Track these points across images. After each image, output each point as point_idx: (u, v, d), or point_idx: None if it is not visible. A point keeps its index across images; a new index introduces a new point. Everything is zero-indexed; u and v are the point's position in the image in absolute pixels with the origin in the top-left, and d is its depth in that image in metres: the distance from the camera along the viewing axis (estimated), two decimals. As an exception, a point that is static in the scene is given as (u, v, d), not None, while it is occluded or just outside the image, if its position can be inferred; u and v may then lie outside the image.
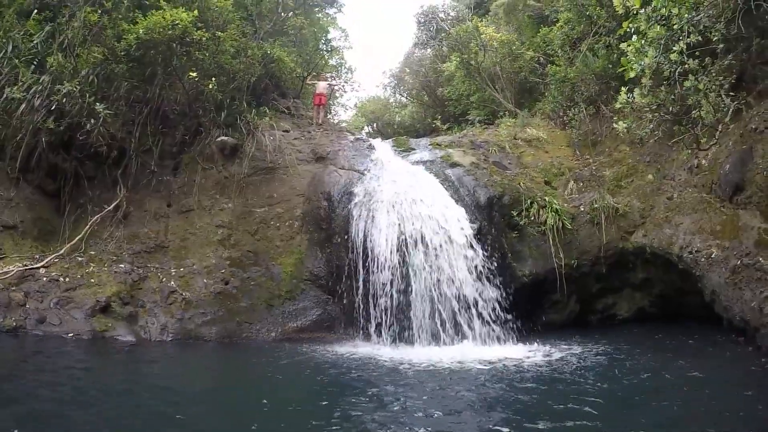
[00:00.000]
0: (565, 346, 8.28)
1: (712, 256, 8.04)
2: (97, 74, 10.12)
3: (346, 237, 9.76)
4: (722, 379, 6.44)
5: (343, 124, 17.03)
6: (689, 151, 8.72)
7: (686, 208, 9.00)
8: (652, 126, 8.99)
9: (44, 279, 8.99)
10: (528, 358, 7.59)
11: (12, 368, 6.49)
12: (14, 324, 8.15)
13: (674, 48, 7.65)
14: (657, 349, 8.03)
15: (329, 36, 19.68)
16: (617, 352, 7.86)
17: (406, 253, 9.14)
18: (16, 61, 9.82)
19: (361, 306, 9.12)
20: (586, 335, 9.21)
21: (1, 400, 5.05)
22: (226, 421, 5.03)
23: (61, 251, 9.59)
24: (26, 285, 8.81)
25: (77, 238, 9.88)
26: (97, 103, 9.74)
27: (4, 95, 9.40)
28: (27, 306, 8.48)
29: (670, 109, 8.25)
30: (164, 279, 9.65)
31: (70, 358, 7.23)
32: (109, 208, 10.36)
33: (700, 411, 5.08)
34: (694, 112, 7.92)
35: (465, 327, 8.69)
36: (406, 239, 9.22)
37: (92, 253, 9.89)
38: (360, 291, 9.21)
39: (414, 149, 12.70)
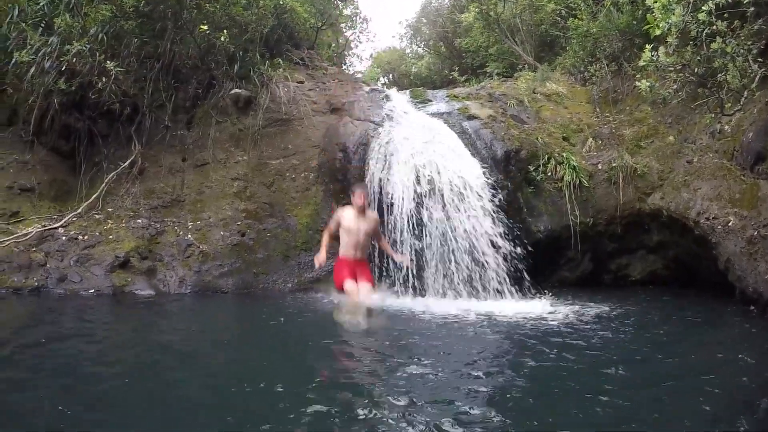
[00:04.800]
0: (579, 303, 8.29)
1: (729, 224, 7.93)
2: (106, 32, 9.91)
3: (361, 188, 9.66)
4: (731, 345, 6.33)
5: (359, 75, 16.66)
6: (712, 116, 8.43)
7: (706, 174, 8.81)
8: (675, 87, 8.68)
9: (63, 238, 9.16)
10: (540, 313, 7.56)
11: (29, 324, 6.64)
12: (36, 284, 8.36)
13: (703, 8, 7.28)
14: (668, 312, 8.01)
15: (343, -16, 18.98)
16: (629, 311, 7.85)
17: (422, 205, 9.09)
18: (23, 24, 9.65)
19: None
20: (598, 294, 9.24)
21: (16, 353, 5.15)
22: (241, 370, 4.98)
23: (79, 210, 9.71)
24: (46, 245, 8.98)
25: (94, 197, 9.97)
26: (108, 61, 9.59)
27: (14, 59, 9.29)
28: (48, 265, 8.67)
29: (696, 70, 7.92)
30: (181, 233, 9.76)
31: (88, 313, 7.39)
32: (124, 165, 10.39)
33: (706, 373, 4.97)
34: (719, 75, 7.59)
35: (479, 280, 8.72)
36: (422, 191, 9.16)
37: (109, 210, 10.00)
38: (375, 241, 9.20)
39: (431, 101, 12.40)
